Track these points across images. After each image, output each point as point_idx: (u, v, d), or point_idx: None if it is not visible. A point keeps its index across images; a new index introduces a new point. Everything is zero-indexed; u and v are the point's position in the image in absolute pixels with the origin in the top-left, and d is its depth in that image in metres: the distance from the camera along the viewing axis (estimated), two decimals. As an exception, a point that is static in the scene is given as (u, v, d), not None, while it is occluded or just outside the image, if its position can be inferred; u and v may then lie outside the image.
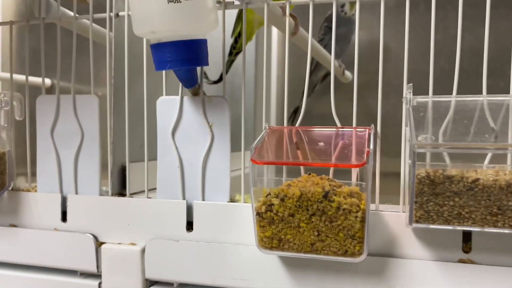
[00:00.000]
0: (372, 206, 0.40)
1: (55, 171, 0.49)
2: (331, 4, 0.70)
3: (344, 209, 0.34)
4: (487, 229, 0.32)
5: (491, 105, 0.35)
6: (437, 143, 0.31)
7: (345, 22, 0.80)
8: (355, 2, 0.73)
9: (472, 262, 0.37)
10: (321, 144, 0.40)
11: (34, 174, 0.50)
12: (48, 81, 0.91)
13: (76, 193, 0.48)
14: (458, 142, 0.31)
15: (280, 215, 0.36)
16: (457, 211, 0.32)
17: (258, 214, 0.36)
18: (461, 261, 0.37)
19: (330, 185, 0.35)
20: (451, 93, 0.38)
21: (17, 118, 0.51)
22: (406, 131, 0.38)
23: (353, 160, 0.34)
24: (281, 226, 0.36)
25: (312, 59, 0.89)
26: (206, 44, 0.40)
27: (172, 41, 0.38)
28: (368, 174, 0.33)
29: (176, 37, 0.38)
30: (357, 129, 0.39)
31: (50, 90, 0.92)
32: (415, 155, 0.31)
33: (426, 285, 0.38)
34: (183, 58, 0.38)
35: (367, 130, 0.39)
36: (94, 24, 0.50)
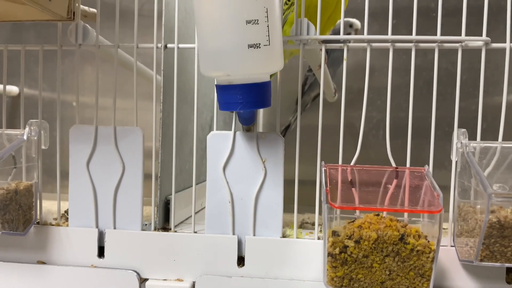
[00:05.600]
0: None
1: (90, 205, 0.46)
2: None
3: (418, 251, 0.36)
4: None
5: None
6: (514, 193, 0.34)
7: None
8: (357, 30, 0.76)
9: (515, 293, 0.41)
10: (376, 183, 0.42)
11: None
12: (15, 89, 0.87)
13: (115, 227, 0.46)
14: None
15: (354, 256, 0.37)
16: (520, 251, 0.36)
17: (330, 255, 0.38)
18: (505, 291, 0.41)
19: (401, 226, 0.37)
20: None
21: (43, 147, 0.48)
22: (458, 172, 0.41)
23: (430, 205, 0.37)
24: (353, 267, 0.38)
25: (306, 80, 0.92)
26: (270, 86, 0.40)
27: (244, 84, 0.38)
28: (441, 218, 0.36)
29: (248, 80, 0.38)
30: (412, 170, 0.42)
31: (17, 98, 0.88)
32: (490, 203, 0.34)
33: (474, 315, 0.41)
34: (254, 101, 0.38)
35: (423, 171, 0.41)
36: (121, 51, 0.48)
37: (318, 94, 0.94)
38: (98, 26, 0.47)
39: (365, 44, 0.43)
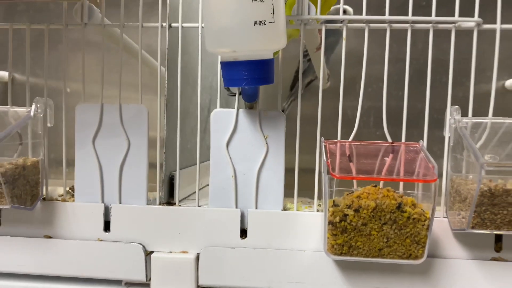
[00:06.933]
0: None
1: (96, 180, 0.48)
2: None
3: (414, 218, 0.39)
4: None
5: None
6: (504, 162, 0.36)
7: (335, 33, 0.84)
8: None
9: (503, 260, 0.43)
10: (375, 157, 0.44)
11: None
12: (7, 75, 0.87)
13: (120, 202, 0.48)
14: None
15: (353, 224, 0.39)
16: (509, 218, 0.38)
17: (331, 223, 0.40)
18: (494, 259, 0.44)
19: (398, 196, 0.39)
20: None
21: (49, 125, 0.50)
22: (451, 147, 0.43)
23: (425, 176, 0.39)
24: (353, 235, 0.40)
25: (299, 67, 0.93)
26: (274, 63, 0.42)
27: (249, 60, 0.39)
28: (436, 187, 0.38)
29: (253, 56, 0.39)
30: (407, 145, 0.44)
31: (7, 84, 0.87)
32: (481, 172, 0.36)
33: (465, 282, 0.43)
34: (258, 77, 0.40)
35: (418, 145, 0.44)
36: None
37: (312, 80, 0.96)
38: (103, 5, 0.48)
39: (363, 24, 0.45)
